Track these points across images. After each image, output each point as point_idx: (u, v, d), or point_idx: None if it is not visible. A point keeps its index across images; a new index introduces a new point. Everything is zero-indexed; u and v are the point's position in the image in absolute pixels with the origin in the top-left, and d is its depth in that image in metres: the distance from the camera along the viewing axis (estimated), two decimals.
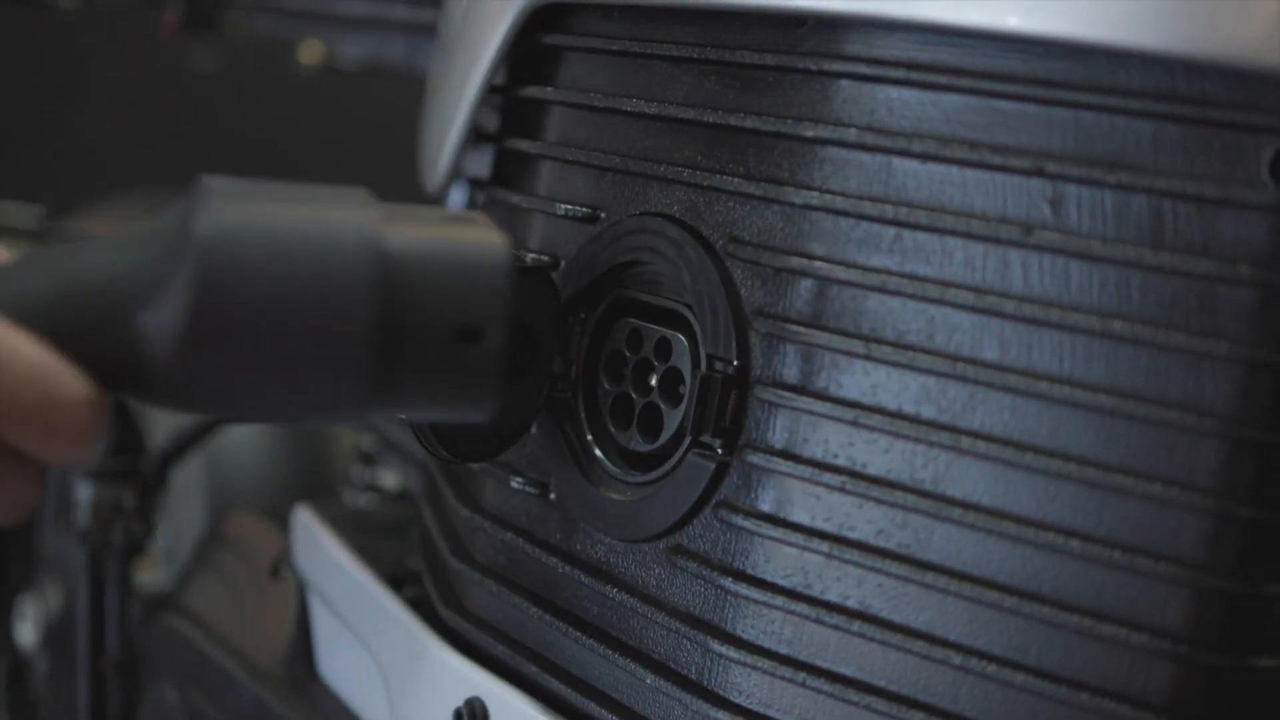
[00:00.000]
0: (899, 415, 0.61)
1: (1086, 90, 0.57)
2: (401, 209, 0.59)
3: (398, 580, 0.88)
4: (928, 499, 0.60)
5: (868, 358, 0.61)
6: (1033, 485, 0.57)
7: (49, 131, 2.62)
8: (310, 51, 1.71)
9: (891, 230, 0.61)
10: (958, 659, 0.59)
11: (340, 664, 0.91)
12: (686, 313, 0.68)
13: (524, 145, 0.80)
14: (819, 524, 0.62)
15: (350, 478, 1.22)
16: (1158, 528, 0.55)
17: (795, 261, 0.64)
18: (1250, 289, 0.54)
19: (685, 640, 0.67)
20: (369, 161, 2.27)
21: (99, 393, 0.54)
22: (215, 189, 0.55)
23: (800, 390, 0.63)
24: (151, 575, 1.34)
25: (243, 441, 1.34)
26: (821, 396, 0.63)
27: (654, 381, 0.69)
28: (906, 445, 0.60)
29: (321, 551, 0.93)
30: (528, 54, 0.80)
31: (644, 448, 0.69)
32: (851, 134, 0.62)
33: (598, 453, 0.72)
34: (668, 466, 0.68)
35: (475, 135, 0.89)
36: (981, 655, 0.58)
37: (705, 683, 0.66)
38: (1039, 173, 0.58)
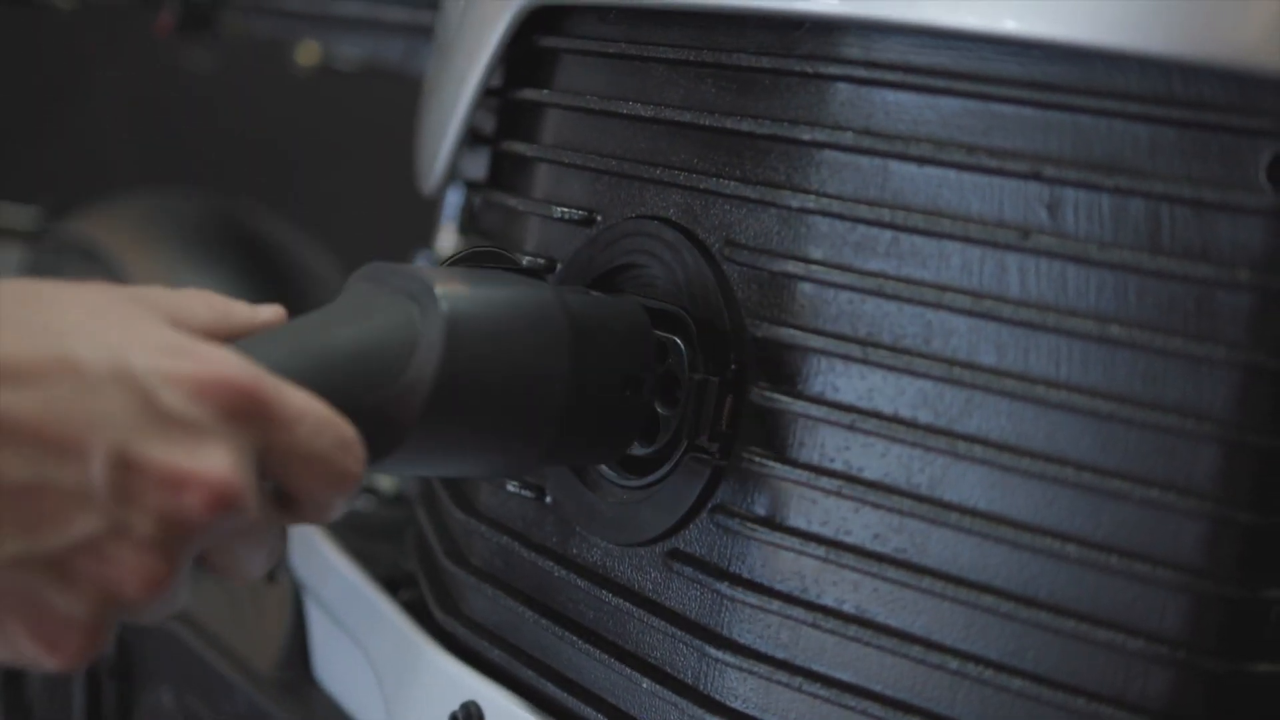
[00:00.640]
0: (895, 419, 0.60)
1: (1084, 94, 0.57)
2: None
3: (393, 584, 0.88)
4: (924, 503, 0.59)
5: (864, 361, 0.61)
6: (1030, 490, 0.57)
7: (46, 132, 2.62)
8: (307, 52, 1.71)
9: (888, 234, 0.61)
10: (954, 664, 0.58)
11: (336, 667, 0.91)
12: (683, 316, 0.68)
13: (520, 148, 0.80)
14: (815, 528, 0.62)
15: None
16: (1155, 532, 0.55)
17: (792, 265, 0.63)
18: (1248, 293, 0.54)
19: (681, 644, 0.66)
20: (366, 162, 2.27)
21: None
22: (434, 272, 0.63)
23: (796, 394, 0.63)
24: None
25: None
26: (818, 400, 0.62)
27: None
28: (903, 449, 0.60)
29: (317, 555, 0.93)
30: (524, 56, 0.80)
31: (640, 451, 0.69)
32: (848, 137, 0.62)
33: None
34: (664, 470, 0.67)
35: (472, 137, 0.89)
36: (978, 660, 0.58)
37: (701, 687, 0.65)
38: (1036, 176, 0.57)
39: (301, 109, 2.52)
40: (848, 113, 0.63)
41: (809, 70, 0.64)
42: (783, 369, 0.64)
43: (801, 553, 0.62)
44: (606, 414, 0.65)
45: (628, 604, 0.69)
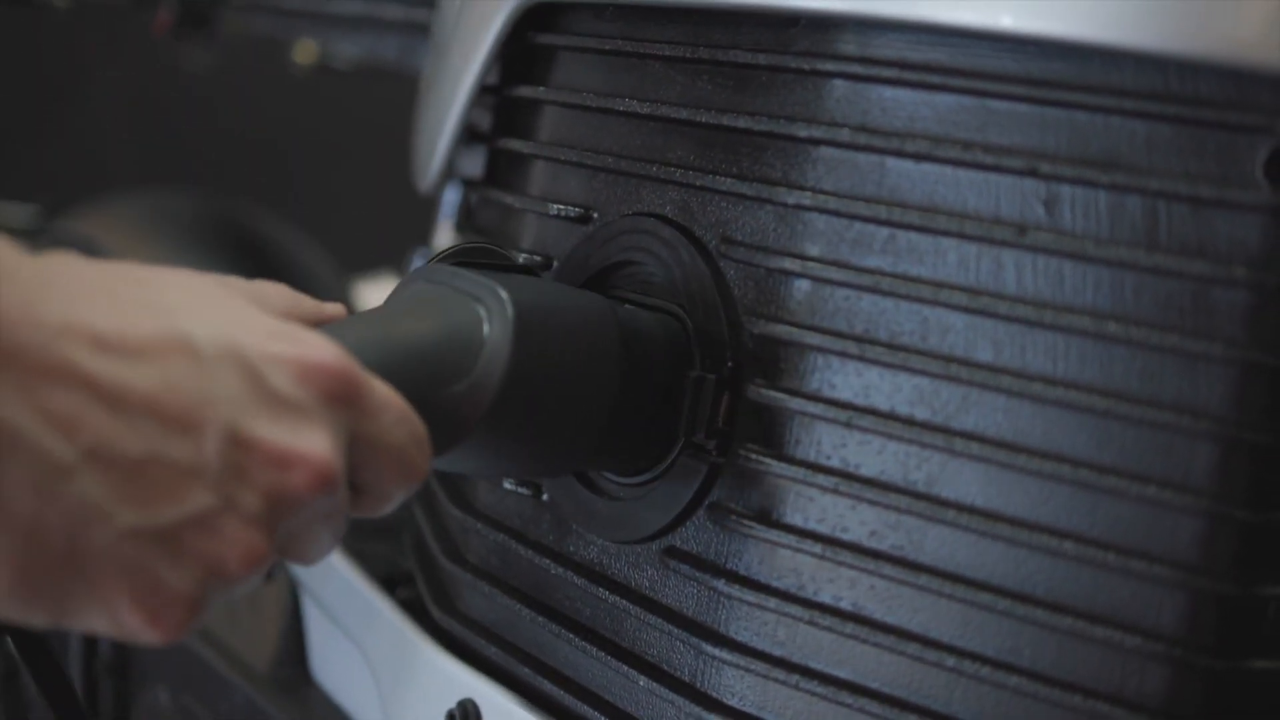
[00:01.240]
0: (892, 416, 0.60)
1: (1080, 90, 0.56)
2: None
3: (390, 582, 0.88)
4: (921, 500, 0.59)
5: (861, 359, 0.61)
6: (1026, 487, 0.57)
7: (44, 131, 2.62)
8: (305, 51, 1.70)
9: (885, 231, 0.61)
10: (951, 661, 0.58)
11: (333, 666, 0.91)
12: (680, 313, 0.68)
13: (517, 145, 0.80)
14: (812, 525, 0.62)
15: None
16: (1152, 530, 0.55)
17: (788, 262, 0.63)
18: (1245, 290, 0.54)
19: (678, 642, 0.66)
20: (364, 161, 2.27)
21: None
22: (498, 277, 0.64)
23: (793, 391, 0.63)
24: None
25: None
26: (814, 398, 0.62)
27: None
28: (900, 446, 0.60)
29: None
30: (520, 53, 0.80)
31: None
32: (845, 134, 0.62)
33: None
34: (661, 468, 0.67)
35: (468, 135, 0.89)
36: (975, 657, 0.58)
37: (698, 685, 0.65)
38: (1033, 173, 0.57)
39: (299, 108, 2.52)
40: (844, 109, 0.63)
41: (805, 67, 0.64)
42: (780, 366, 0.64)
43: (798, 550, 0.62)
44: (645, 423, 0.66)
45: (625, 601, 0.69)
